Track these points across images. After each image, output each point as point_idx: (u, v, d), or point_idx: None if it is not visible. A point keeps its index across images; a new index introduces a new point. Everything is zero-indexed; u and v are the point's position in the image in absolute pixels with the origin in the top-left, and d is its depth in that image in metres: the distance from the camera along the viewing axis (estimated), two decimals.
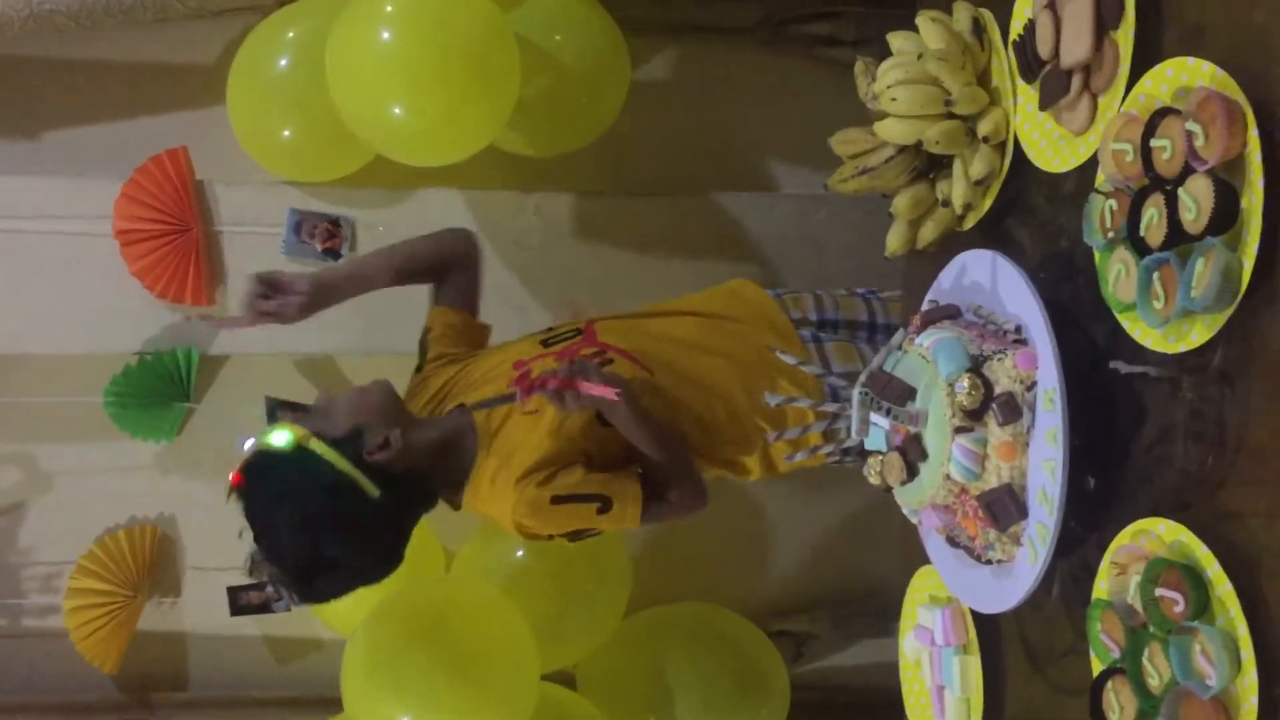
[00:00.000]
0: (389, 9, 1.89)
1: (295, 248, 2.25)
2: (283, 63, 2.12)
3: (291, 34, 2.12)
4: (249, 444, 1.66)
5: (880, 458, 1.43)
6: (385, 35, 1.89)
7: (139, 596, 2.32)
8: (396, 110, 1.93)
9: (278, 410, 1.78)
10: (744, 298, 1.90)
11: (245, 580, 2.30)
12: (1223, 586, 1.08)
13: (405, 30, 1.90)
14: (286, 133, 2.17)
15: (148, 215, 2.18)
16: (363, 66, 1.93)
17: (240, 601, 2.35)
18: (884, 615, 1.73)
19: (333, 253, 2.25)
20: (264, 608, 2.35)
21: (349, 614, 2.18)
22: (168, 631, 2.40)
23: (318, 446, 1.64)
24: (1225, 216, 1.07)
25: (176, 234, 2.19)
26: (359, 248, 2.26)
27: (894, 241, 1.65)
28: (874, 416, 1.41)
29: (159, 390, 2.25)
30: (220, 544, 2.28)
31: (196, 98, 2.31)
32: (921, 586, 1.64)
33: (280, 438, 1.65)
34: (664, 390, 1.79)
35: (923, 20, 1.54)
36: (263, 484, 1.64)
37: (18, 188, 2.23)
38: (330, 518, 1.63)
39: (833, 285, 1.99)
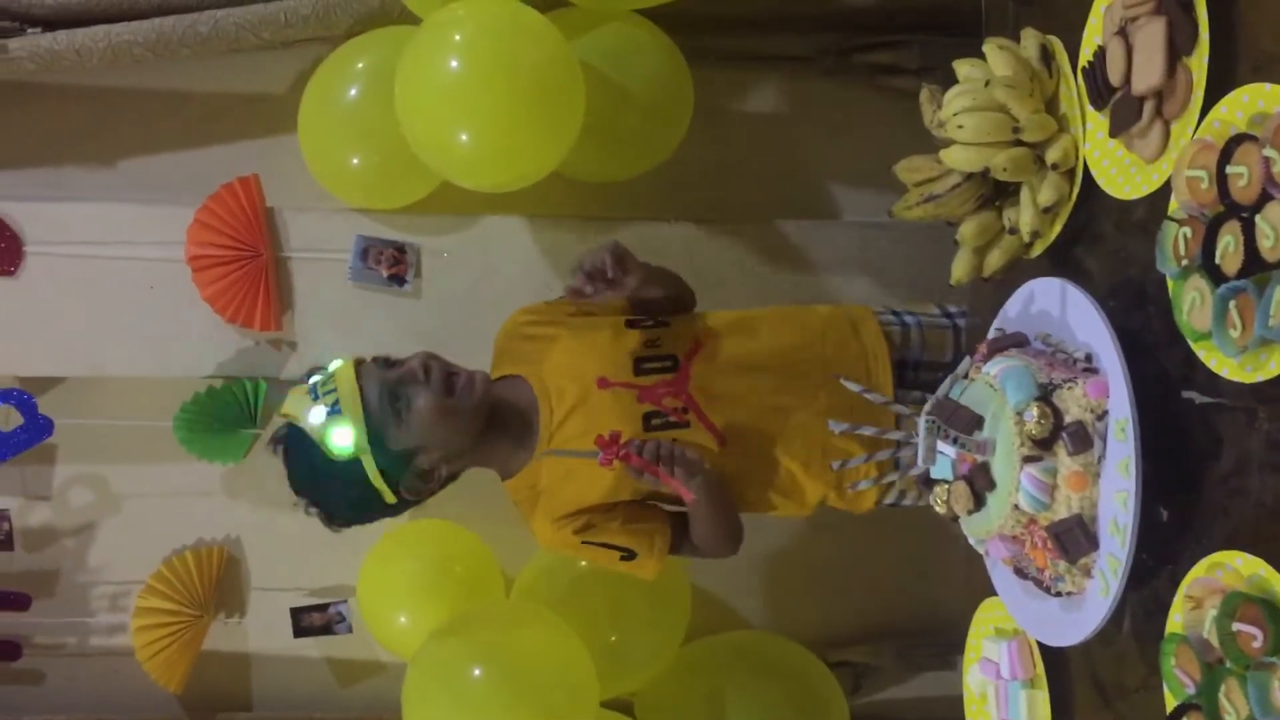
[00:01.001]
0: (456, 38, 1.91)
1: (361, 274, 2.27)
2: (352, 92, 2.15)
3: (361, 64, 2.14)
4: (313, 413, 1.74)
5: (947, 487, 1.41)
6: (453, 65, 1.91)
7: (205, 616, 2.34)
8: (463, 138, 1.94)
9: (376, 366, 1.79)
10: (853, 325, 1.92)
11: (308, 602, 2.38)
12: None
13: (472, 60, 1.91)
14: (355, 160, 2.20)
15: (219, 241, 2.21)
16: (430, 95, 1.94)
17: (303, 623, 2.38)
18: (947, 647, 1.73)
19: (398, 279, 2.27)
20: (326, 629, 2.39)
21: (409, 637, 2.22)
22: (232, 651, 2.42)
23: (367, 465, 1.74)
24: None
25: (247, 260, 2.22)
26: (424, 274, 2.28)
27: (959, 269, 1.63)
28: (940, 445, 1.40)
29: (227, 417, 2.28)
30: (284, 565, 2.39)
31: (268, 126, 2.34)
32: (987, 619, 1.62)
33: (340, 440, 1.73)
34: (733, 467, 1.83)
35: (990, 47, 1.53)
36: (302, 454, 1.76)
37: (94, 214, 2.26)
38: (346, 502, 1.79)
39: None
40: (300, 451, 1.77)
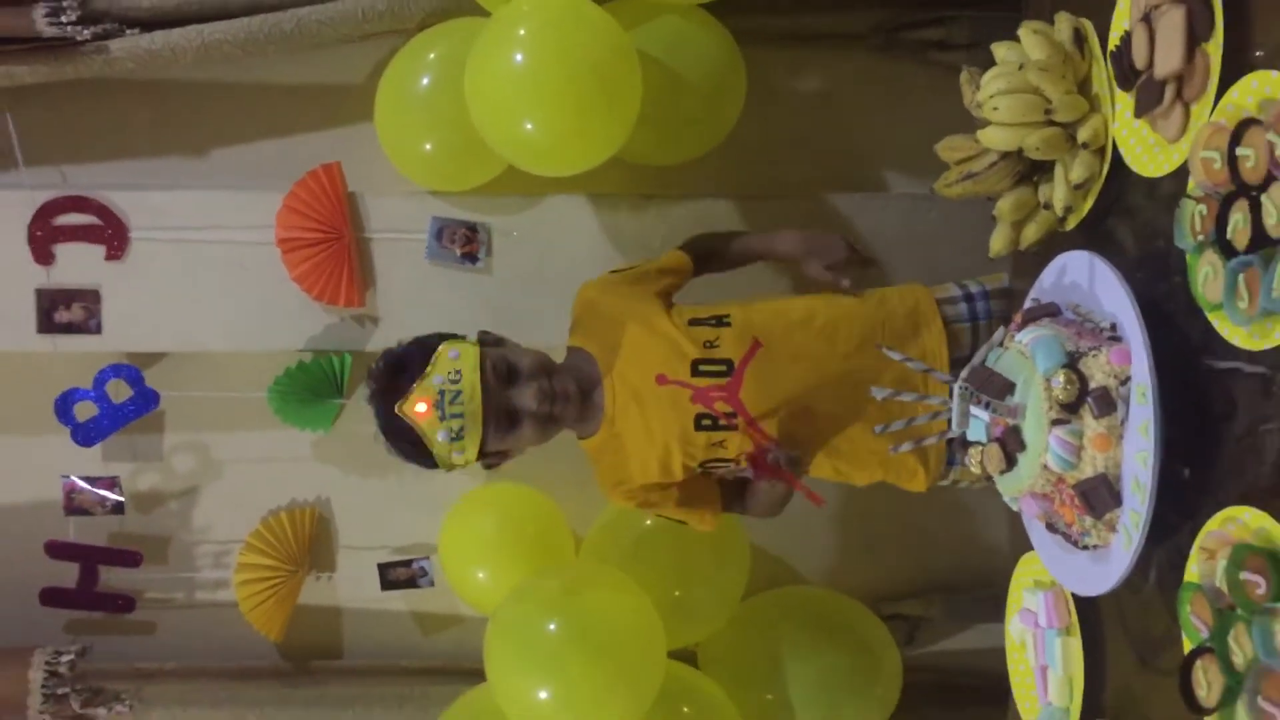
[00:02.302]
0: (521, 32, 1.95)
1: (437, 252, 2.32)
2: (425, 82, 2.18)
3: (432, 55, 2.18)
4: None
5: (980, 448, 1.49)
6: (518, 57, 1.95)
7: (299, 571, 2.42)
8: (528, 126, 1.98)
9: (498, 377, 1.86)
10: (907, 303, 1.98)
11: (393, 558, 2.48)
12: None
13: (536, 52, 1.95)
14: (428, 146, 2.24)
15: (305, 225, 2.27)
16: (497, 85, 1.98)
17: (389, 577, 2.46)
18: (995, 600, 1.76)
19: (471, 257, 2.32)
20: (410, 583, 2.46)
21: (487, 592, 2.31)
22: (325, 605, 2.51)
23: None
24: None
25: (331, 241, 2.28)
26: (494, 252, 2.33)
27: (998, 242, 1.71)
28: (974, 410, 1.48)
29: (316, 388, 2.34)
30: (370, 525, 2.48)
31: (347, 115, 2.38)
32: (1026, 571, 1.70)
33: (457, 459, 1.87)
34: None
35: (1025, 31, 1.59)
36: (403, 440, 1.88)
37: (190, 201, 2.32)
38: (431, 465, 1.90)
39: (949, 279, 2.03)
40: (403, 440, 1.89)
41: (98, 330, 2.32)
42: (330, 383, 2.36)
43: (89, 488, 2.42)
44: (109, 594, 2.45)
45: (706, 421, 1.89)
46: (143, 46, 2.18)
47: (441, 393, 1.83)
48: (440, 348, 1.87)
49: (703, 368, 1.89)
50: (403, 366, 1.88)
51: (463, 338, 1.92)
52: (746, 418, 1.88)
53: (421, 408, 1.84)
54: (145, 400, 2.33)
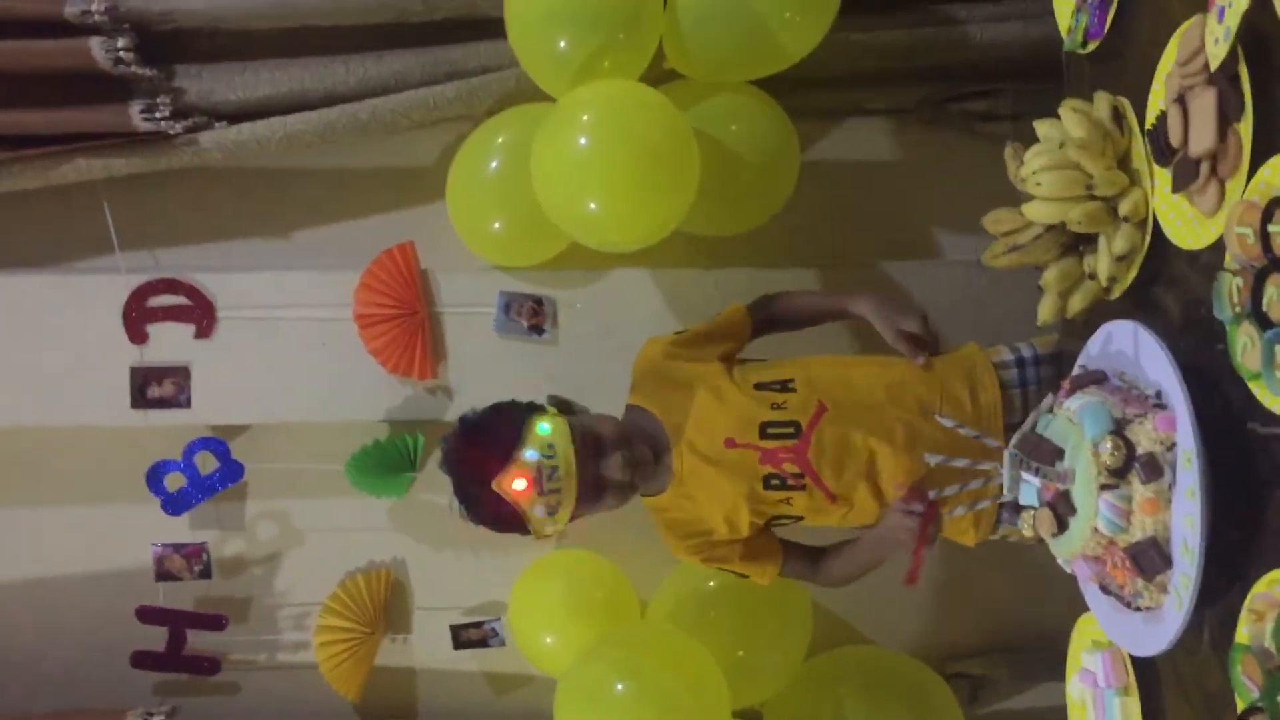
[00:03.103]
0: (585, 118, 2.03)
1: (505, 325, 2.39)
2: (493, 164, 2.26)
3: (500, 139, 2.26)
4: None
5: (1032, 513, 1.53)
6: (582, 140, 2.03)
7: (376, 633, 2.46)
8: (592, 205, 2.05)
9: (589, 452, 1.91)
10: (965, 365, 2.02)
11: (466, 620, 2.53)
12: None
13: (599, 135, 2.03)
14: (496, 225, 2.31)
15: (381, 301, 2.35)
16: (562, 167, 2.05)
17: (461, 638, 2.50)
18: (1058, 659, 1.77)
19: (538, 329, 2.39)
20: (482, 643, 2.50)
21: (555, 654, 2.35)
22: (400, 665, 2.55)
23: None
24: None
25: (405, 317, 2.35)
26: (560, 324, 2.40)
27: (1045, 312, 1.75)
28: (1024, 475, 1.52)
29: (391, 463, 2.41)
30: (444, 587, 2.52)
31: (419, 197, 2.46)
32: (1085, 632, 1.71)
33: (547, 530, 1.95)
34: (844, 518, 2.00)
35: (1065, 110, 1.64)
36: (483, 509, 1.95)
37: (272, 281, 2.41)
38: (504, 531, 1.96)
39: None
40: (488, 511, 1.94)
41: (187, 405, 2.40)
42: (404, 458, 2.42)
43: (177, 554, 2.49)
44: (196, 656, 2.51)
45: (775, 481, 1.95)
46: (230, 138, 2.29)
47: (539, 469, 1.87)
48: (529, 421, 1.91)
49: (771, 430, 1.94)
50: (489, 439, 1.91)
51: (539, 406, 1.98)
52: (814, 477, 1.93)
53: (520, 484, 1.87)
54: (231, 471, 2.41)
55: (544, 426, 1.90)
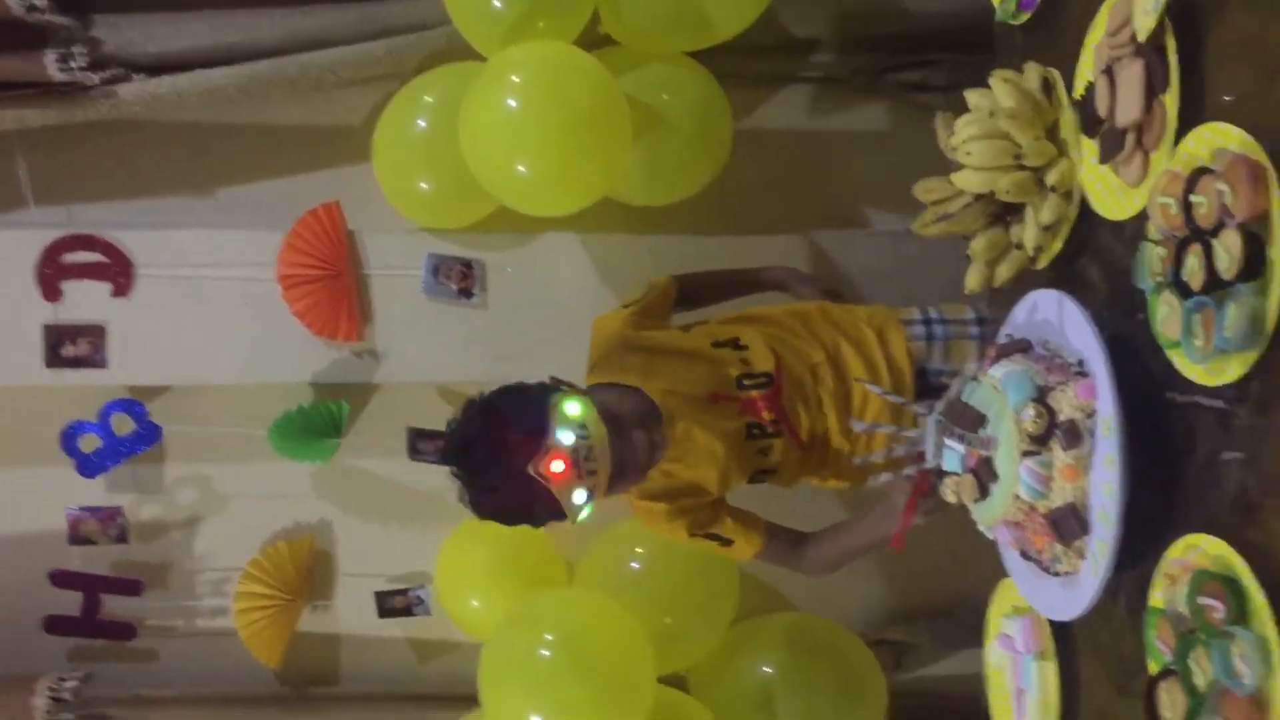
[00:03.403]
0: (515, 78, 2.01)
1: (433, 288, 2.37)
2: (421, 124, 2.24)
3: (429, 98, 2.23)
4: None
5: (956, 478, 1.53)
6: (512, 102, 2.01)
7: (298, 600, 2.45)
8: (520, 168, 2.04)
9: (610, 436, 1.77)
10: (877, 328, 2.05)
11: (391, 587, 2.51)
12: (1257, 596, 1.17)
13: (529, 97, 2.01)
14: (424, 185, 2.29)
15: (306, 262, 2.32)
16: (491, 129, 2.04)
17: (386, 605, 2.49)
18: (980, 627, 1.79)
19: (466, 292, 2.37)
20: (407, 611, 2.49)
21: (481, 619, 2.35)
22: (323, 632, 2.54)
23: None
24: (1253, 266, 1.17)
25: (331, 278, 2.32)
26: (489, 287, 2.38)
27: (972, 280, 1.74)
28: (948, 441, 1.52)
29: (315, 428, 2.38)
30: (368, 554, 2.50)
31: (346, 156, 2.43)
32: (1005, 598, 1.73)
33: (581, 515, 1.79)
34: (812, 463, 2.01)
35: (995, 80, 1.64)
36: (509, 500, 1.80)
37: (194, 239, 2.37)
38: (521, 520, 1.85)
39: None
40: (504, 491, 1.80)
41: (103, 365, 2.36)
42: (329, 424, 2.40)
43: (92, 518, 2.45)
44: (111, 622, 2.48)
45: (756, 430, 1.95)
46: (149, 91, 2.24)
47: (577, 450, 1.74)
48: (554, 401, 1.78)
49: (747, 381, 1.95)
50: (516, 422, 1.77)
51: (554, 386, 1.84)
52: (787, 423, 1.95)
53: (559, 466, 1.73)
54: (149, 433, 2.37)
55: (573, 406, 1.77)
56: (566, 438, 1.74)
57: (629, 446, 1.81)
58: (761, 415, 1.94)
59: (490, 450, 1.77)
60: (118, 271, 2.36)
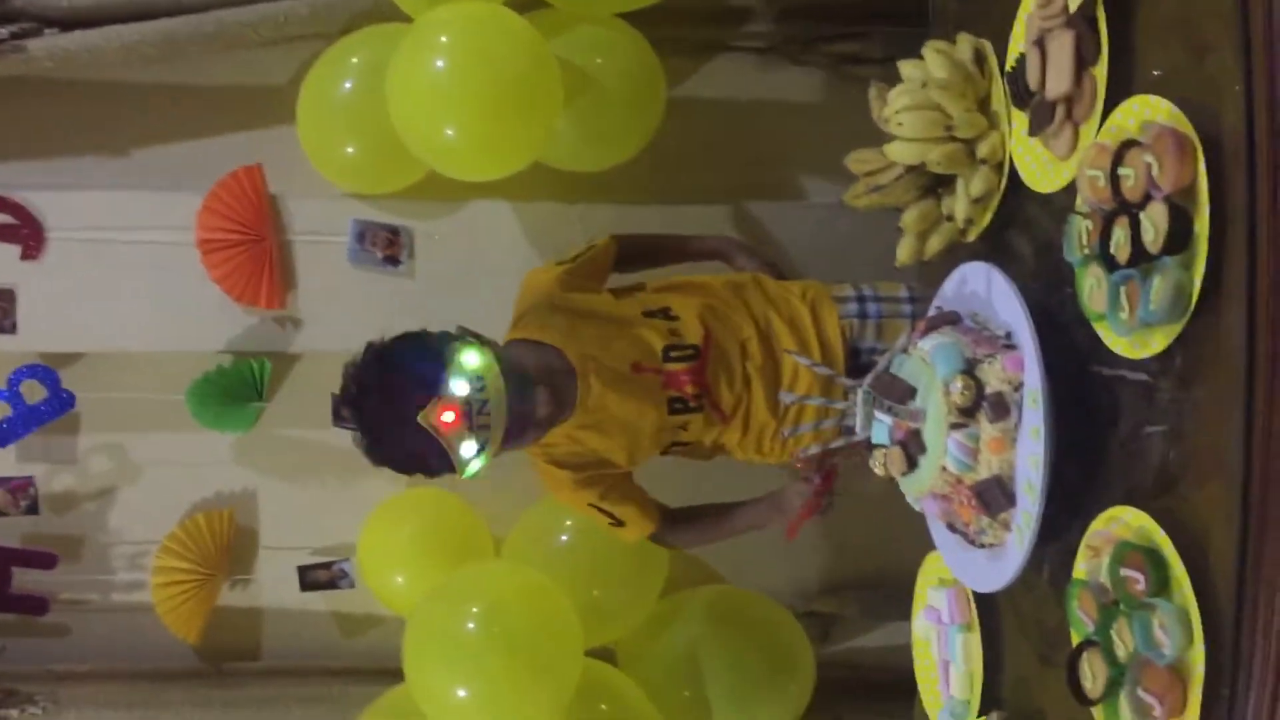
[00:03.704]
0: (443, 39, 1.98)
1: (358, 255, 2.33)
2: (347, 85, 2.20)
3: (355, 59, 2.19)
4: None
5: (884, 451, 1.54)
6: (439, 63, 1.98)
7: (217, 574, 2.41)
8: (448, 131, 2.01)
9: (511, 390, 1.75)
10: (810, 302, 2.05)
11: (314, 560, 2.48)
12: (1178, 567, 1.19)
13: (457, 59, 1.98)
14: (350, 150, 2.25)
15: (226, 226, 2.27)
16: (418, 91, 2.01)
17: (309, 579, 2.46)
18: (908, 598, 1.81)
19: (392, 259, 2.34)
20: (330, 585, 2.47)
21: (406, 595, 2.32)
22: (243, 606, 2.50)
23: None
24: (1179, 239, 1.18)
25: (252, 243, 2.28)
26: (417, 255, 2.35)
27: (903, 253, 1.75)
28: (877, 413, 1.53)
29: (236, 391, 2.34)
30: (291, 526, 2.47)
31: (269, 118, 2.38)
32: (931, 570, 1.75)
33: (472, 468, 1.76)
34: (733, 438, 1.99)
35: (928, 51, 1.64)
36: (396, 440, 1.76)
37: (109, 201, 2.32)
38: (414, 469, 1.81)
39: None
40: (406, 446, 1.77)
41: (12, 330, 2.31)
42: (250, 386, 2.36)
43: (2, 489, 2.40)
44: (22, 595, 2.43)
45: (678, 405, 1.93)
46: (61, 46, 2.18)
47: (469, 402, 1.71)
48: (453, 351, 1.75)
49: (673, 353, 1.93)
50: (410, 369, 1.75)
51: (458, 335, 1.80)
52: (710, 397, 1.93)
53: (449, 417, 1.70)
54: (60, 401, 2.32)
55: (470, 357, 1.74)
56: (460, 389, 1.71)
57: (531, 404, 1.78)
58: (685, 389, 1.93)
59: (384, 397, 1.74)
60: (28, 234, 2.30)
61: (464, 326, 1.83)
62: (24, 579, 2.42)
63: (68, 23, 2.19)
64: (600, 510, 1.98)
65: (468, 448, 1.72)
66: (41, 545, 2.43)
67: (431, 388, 1.71)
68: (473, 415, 1.71)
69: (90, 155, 2.41)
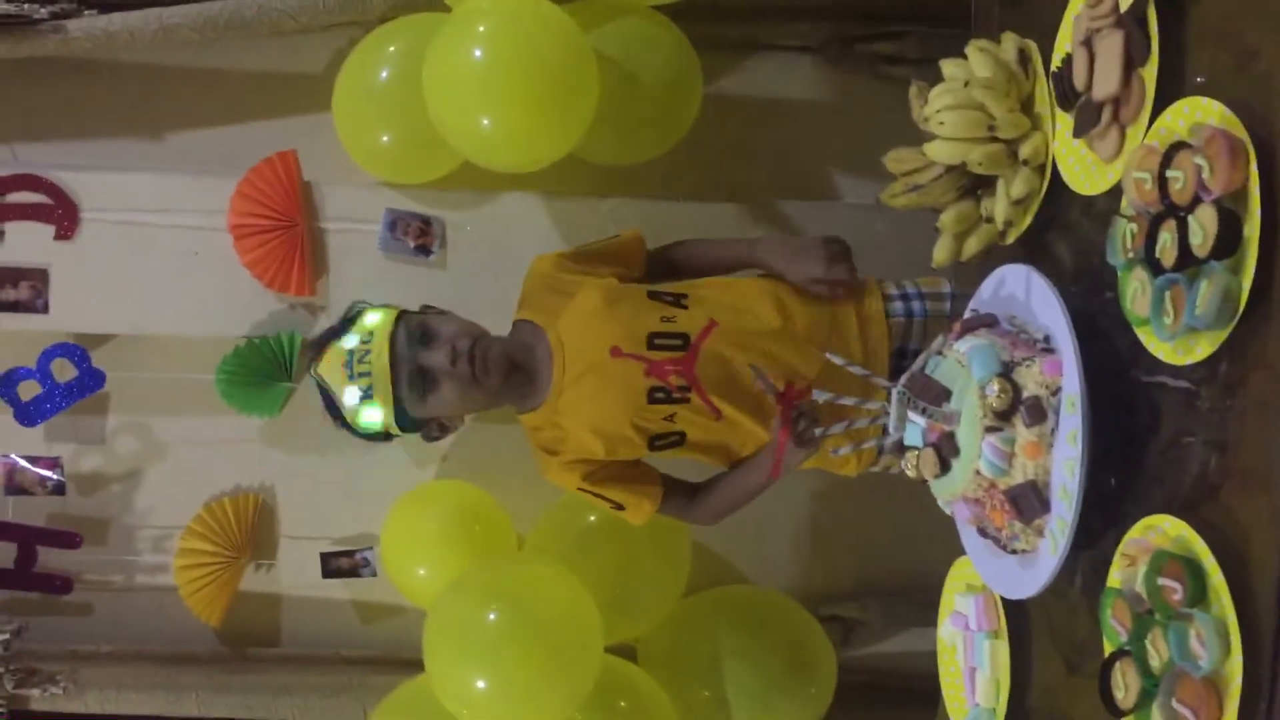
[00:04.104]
0: (481, 29, 1.97)
1: (390, 244, 2.33)
2: (384, 74, 2.19)
3: (392, 48, 2.19)
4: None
5: (917, 453, 1.52)
6: (477, 53, 1.97)
7: (241, 558, 2.41)
8: (484, 122, 2.01)
9: (410, 339, 1.89)
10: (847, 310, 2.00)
11: (337, 548, 2.48)
12: (1216, 578, 1.17)
13: (495, 49, 1.97)
14: (385, 138, 2.25)
15: (259, 212, 2.26)
16: (455, 80, 2.00)
17: (331, 566, 2.45)
18: (930, 605, 1.79)
19: (424, 249, 2.33)
20: (352, 573, 2.45)
21: (428, 587, 2.30)
22: (265, 592, 2.50)
23: (390, 429, 1.94)
24: (1228, 243, 1.16)
25: (284, 229, 2.27)
26: (448, 245, 2.34)
27: (940, 254, 1.74)
28: (911, 415, 1.51)
29: (265, 371, 2.33)
30: (314, 513, 2.47)
31: (305, 104, 2.38)
32: (960, 575, 1.73)
33: (369, 419, 1.91)
34: (728, 437, 1.97)
35: (972, 49, 1.63)
36: (332, 405, 1.95)
37: (143, 183, 2.31)
38: (368, 438, 1.99)
39: None
40: (330, 403, 1.94)
41: (44, 310, 2.30)
42: (279, 365, 2.34)
43: (30, 467, 2.39)
44: (46, 574, 2.43)
45: (660, 395, 1.90)
46: (100, 27, 2.18)
47: (351, 352, 1.88)
48: (363, 312, 1.93)
49: (658, 341, 1.91)
50: (328, 333, 1.95)
51: (396, 307, 1.96)
52: (699, 391, 1.90)
53: (324, 366, 1.90)
54: (90, 381, 2.31)
55: (372, 317, 1.91)
56: (348, 341, 1.89)
57: (431, 354, 1.88)
58: (668, 380, 1.90)
59: (308, 359, 1.98)
60: (62, 214, 2.29)
61: (428, 304, 2.00)
62: (48, 559, 2.42)
63: (107, 4, 2.20)
64: (590, 493, 1.98)
65: (350, 394, 1.87)
66: (67, 526, 2.43)
67: (328, 342, 1.93)
68: (352, 364, 1.87)
69: (126, 137, 2.42)
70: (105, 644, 2.44)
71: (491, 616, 2.08)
